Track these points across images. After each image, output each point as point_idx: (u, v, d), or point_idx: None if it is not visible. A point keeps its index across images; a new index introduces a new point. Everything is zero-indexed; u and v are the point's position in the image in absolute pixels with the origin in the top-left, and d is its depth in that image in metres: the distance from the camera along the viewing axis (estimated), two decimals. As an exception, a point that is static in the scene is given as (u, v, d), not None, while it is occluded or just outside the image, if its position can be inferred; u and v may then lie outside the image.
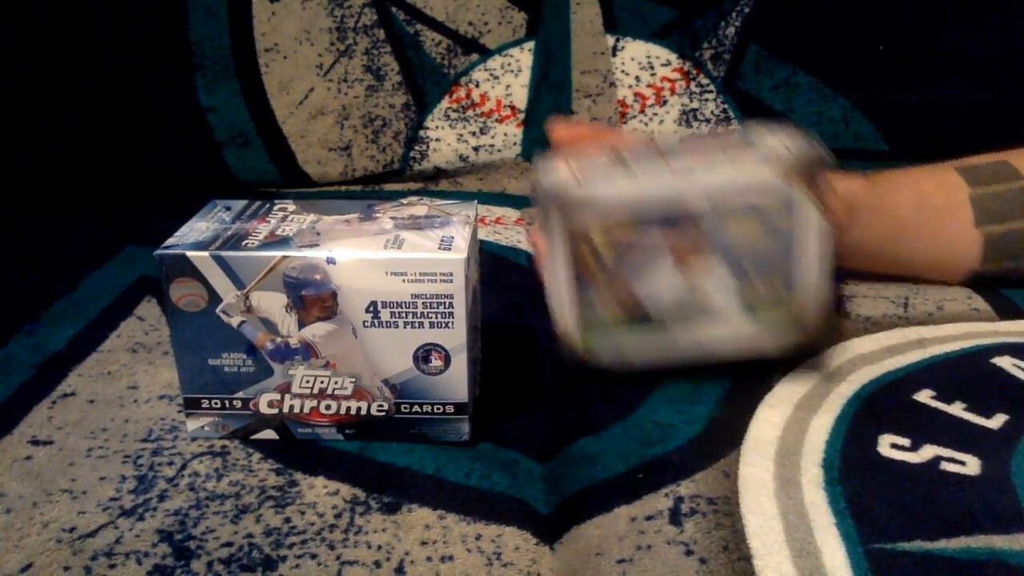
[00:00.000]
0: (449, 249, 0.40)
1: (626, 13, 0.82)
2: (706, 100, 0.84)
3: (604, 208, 0.40)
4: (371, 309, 0.41)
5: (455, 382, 0.42)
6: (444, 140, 0.85)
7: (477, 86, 0.84)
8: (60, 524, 0.39)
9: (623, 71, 0.84)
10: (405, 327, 0.41)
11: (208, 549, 0.38)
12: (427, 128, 0.85)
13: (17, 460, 0.44)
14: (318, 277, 0.40)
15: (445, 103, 0.85)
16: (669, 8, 0.82)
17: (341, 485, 0.42)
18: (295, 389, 0.43)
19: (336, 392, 0.43)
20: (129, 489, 0.42)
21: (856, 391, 0.44)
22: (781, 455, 0.40)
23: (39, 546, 0.38)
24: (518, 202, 0.81)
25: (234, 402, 0.43)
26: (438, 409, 0.43)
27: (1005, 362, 0.46)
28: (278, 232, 0.42)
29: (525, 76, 0.84)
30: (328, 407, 0.43)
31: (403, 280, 0.40)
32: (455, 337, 0.41)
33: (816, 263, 0.40)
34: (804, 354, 0.48)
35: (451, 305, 0.41)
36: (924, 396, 0.43)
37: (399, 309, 0.41)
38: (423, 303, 0.41)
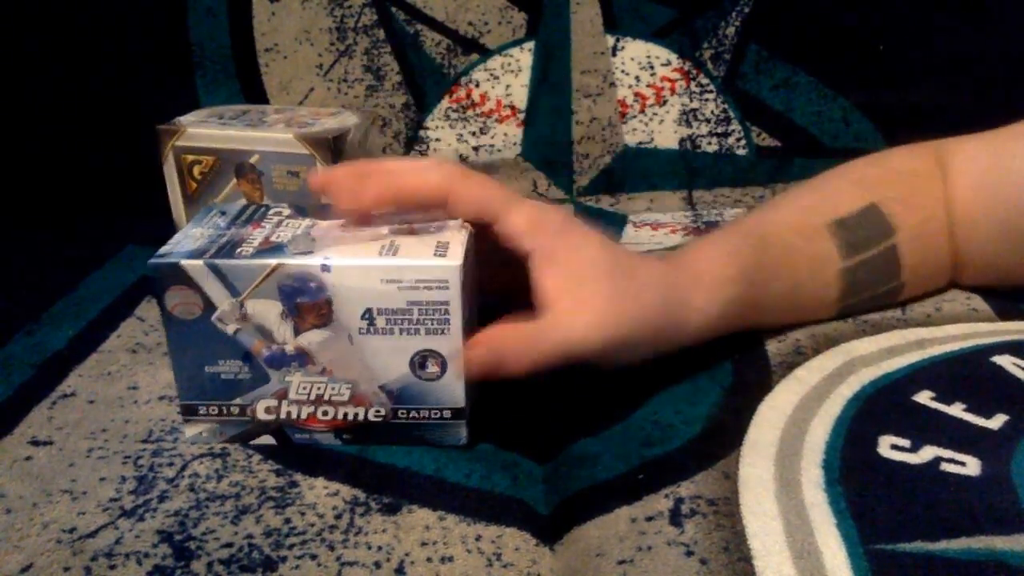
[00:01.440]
0: (444, 255, 0.40)
1: (626, 13, 0.82)
2: (706, 100, 0.84)
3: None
4: (367, 316, 0.41)
5: (452, 387, 0.42)
6: (444, 140, 0.85)
7: (477, 86, 0.84)
8: (60, 524, 0.39)
9: (623, 71, 0.84)
10: (401, 334, 0.41)
11: (208, 550, 0.38)
12: (427, 128, 0.85)
13: (17, 460, 0.44)
14: (313, 285, 0.40)
15: (445, 103, 0.85)
16: (669, 8, 0.82)
17: (341, 486, 0.42)
18: (292, 395, 0.43)
19: (333, 398, 0.43)
20: (129, 490, 0.42)
21: (856, 392, 0.44)
22: (781, 456, 0.40)
23: (39, 546, 0.38)
24: (518, 202, 0.81)
25: (231, 409, 0.43)
26: (435, 414, 0.43)
27: (1005, 361, 0.46)
28: (272, 238, 0.42)
29: (525, 76, 0.84)
30: (325, 413, 0.43)
31: (398, 287, 0.40)
32: (451, 343, 0.41)
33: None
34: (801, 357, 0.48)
35: (447, 312, 0.40)
36: (924, 397, 0.43)
37: (395, 316, 0.41)
38: (419, 310, 0.40)
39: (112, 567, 0.37)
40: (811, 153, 0.83)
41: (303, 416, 0.43)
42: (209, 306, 0.41)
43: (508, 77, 0.84)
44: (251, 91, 0.84)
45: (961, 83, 0.81)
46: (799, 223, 0.50)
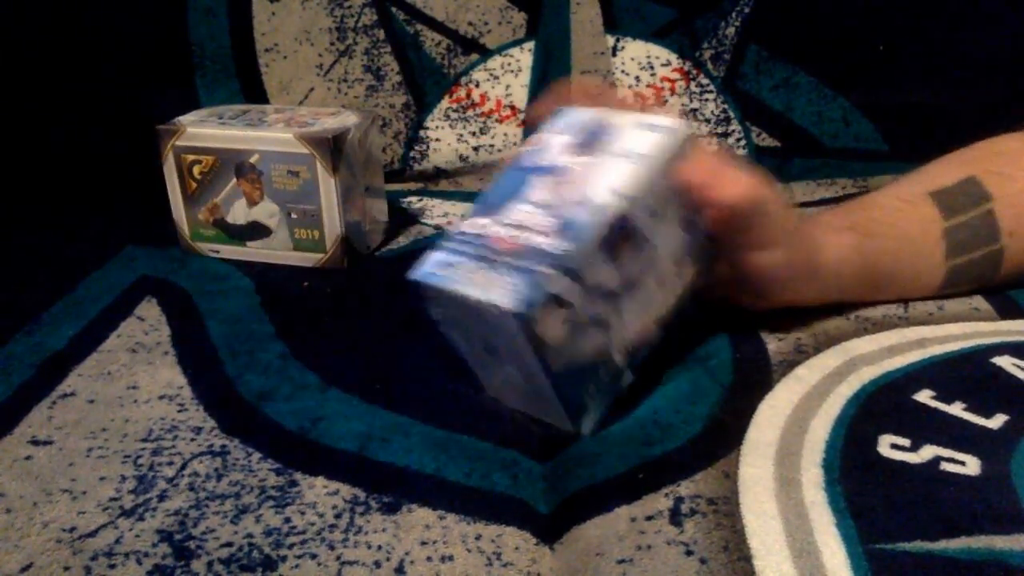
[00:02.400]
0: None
1: (626, 13, 0.83)
2: (706, 100, 0.84)
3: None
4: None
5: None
6: (444, 140, 0.85)
7: (477, 86, 0.84)
8: (60, 524, 0.39)
9: (623, 71, 0.84)
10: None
11: (208, 549, 0.38)
12: (427, 128, 0.85)
13: (17, 460, 0.44)
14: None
15: (445, 103, 0.85)
16: (669, 8, 0.82)
17: (341, 485, 0.42)
18: (631, 332, 0.43)
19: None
20: (129, 489, 0.42)
21: (856, 391, 0.44)
22: (781, 455, 0.40)
23: (39, 546, 0.38)
24: (518, 202, 0.81)
25: (601, 380, 0.42)
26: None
27: (1005, 362, 0.46)
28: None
29: (525, 76, 0.84)
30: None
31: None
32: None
33: (332, 204, 0.62)
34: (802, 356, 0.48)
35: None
36: (924, 396, 0.43)
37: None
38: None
39: (112, 566, 0.37)
40: (811, 153, 0.83)
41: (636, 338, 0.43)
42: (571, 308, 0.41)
43: (508, 77, 0.84)
44: (251, 91, 0.84)
45: (961, 83, 0.81)
46: (901, 193, 0.54)
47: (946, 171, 0.54)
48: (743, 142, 0.84)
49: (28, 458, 0.44)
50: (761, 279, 0.48)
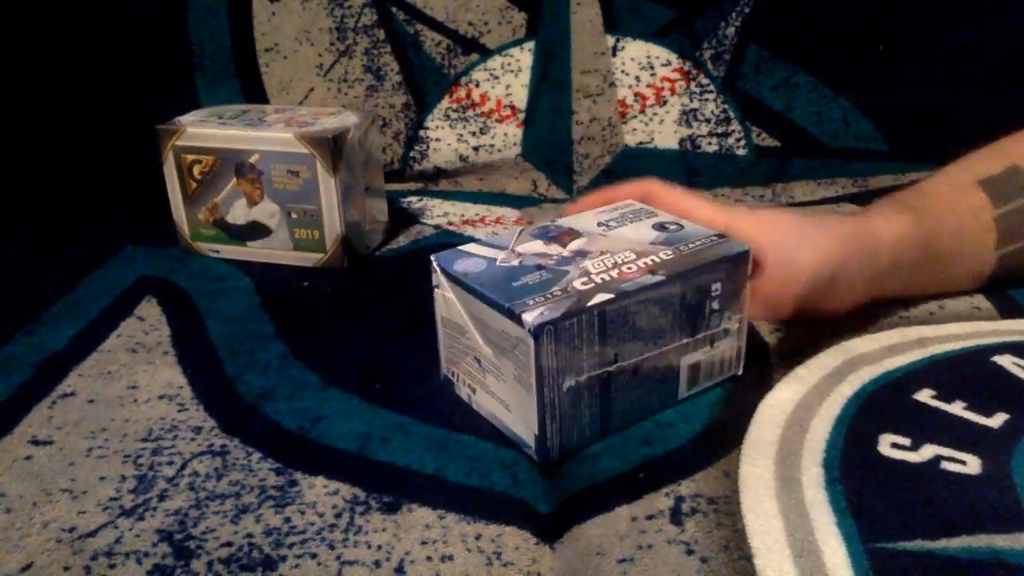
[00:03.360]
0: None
1: (626, 13, 0.82)
2: (706, 100, 0.84)
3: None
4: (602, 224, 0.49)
5: None
6: (444, 140, 0.85)
7: (477, 86, 0.84)
8: (60, 524, 0.39)
9: (623, 71, 0.84)
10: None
11: (208, 549, 0.38)
12: (427, 128, 0.85)
13: (17, 460, 0.44)
14: (552, 225, 0.48)
15: (445, 103, 0.85)
16: (669, 8, 0.82)
17: (341, 485, 0.42)
18: (594, 270, 0.44)
19: (625, 259, 0.44)
20: (129, 489, 0.42)
21: (856, 391, 0.44)
22: (781, 455, 0.40)
23: (39, 546, 0.38)
24: (518, 202, 0.81)
25: (553, 293, 0.42)
26: None
27: (1005, 361, 0.45)
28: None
29: (525, 76, 0.84)
30: (629, 268, 0.44)
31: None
32: None
33: (332, 204, 0.63)
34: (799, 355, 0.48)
35: None
36: (924, 396, 0.43)
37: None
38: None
39: (112, 566, 0.37)
40: (811, 153, 0.83)
41: (616, 275, 0.43)
42: (490, 261, 0.45)
43: (508, 77, 0.84)
44: (251, 91, 0.84)
45: (961, 83, 0.81)
46: (950, 182, 0.54)
47: (988, 160, 0.54)
48: (743, 142, 0.84)
49: (28, 458, 0.44)
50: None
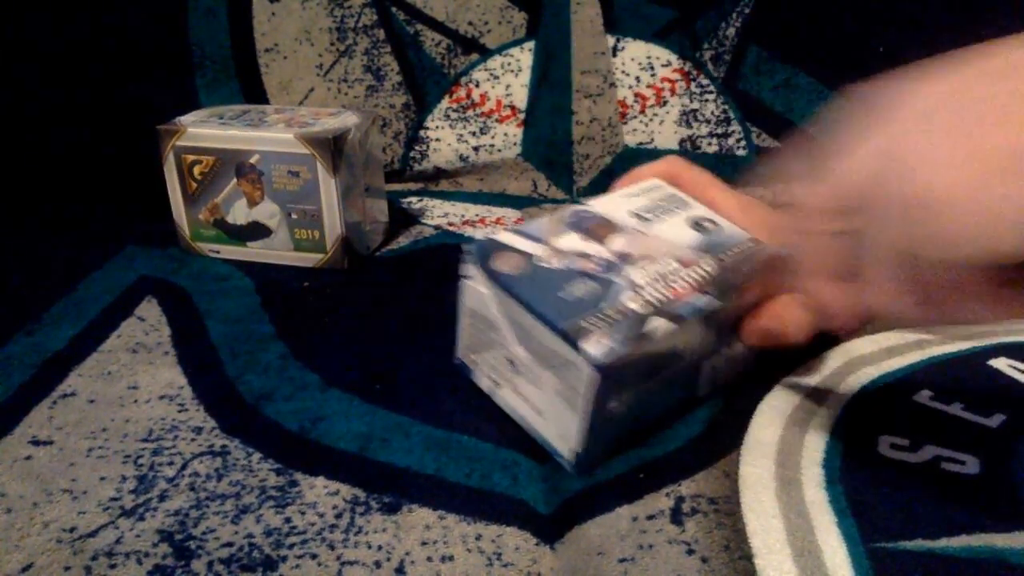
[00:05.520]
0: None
1: (626, 13, 0.83)
2: (706, 101, 0.84)
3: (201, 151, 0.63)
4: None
5: None
6: (444, 140, 0.85)
7: (477, 86, 0.84)
8: (60, 524, 0.39)
9: (623, 71, 0.84)
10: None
11: (208, 549, 0.38)
12: (427, 128, 0.85)
13: (17, 460, 0.44)
14: (588, 213, 0.47)
15: (445, 103, 0.85)
16: (669, 9, 0.82)
17: (341, 485, 0.42)
18: (641, 281, 0.42)
19: (670, 271, 0.43)
20: (129, 489, 0.42)
21: (856, 392, 0.44)
22: (781, 455, 0.40)
23: (39, 546, 0.38)
24: (518, 202, 0.81)
25: (606, 312, 0.41)
26: None
27: (1001, 363, 0.46)
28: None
29: (525, 76, 0.84)
30: (678, 284, 0.42)
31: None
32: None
33: (332, 204, 0.63)
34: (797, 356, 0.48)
35: None
36: (923, 397, 0.43)
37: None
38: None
39: (112, 567, 0.37)
40: (811, 153, 0.83)
41: (666, 293, 0.42)
42: (528, 258, 0.43)
43: (508, 77, 0.84)
44: (251, 91, 0.84)
45: (961, 83, 0.81)
46: None
47: None
48: (743, 143, 0.84)
49: (28, 458, 0.44)
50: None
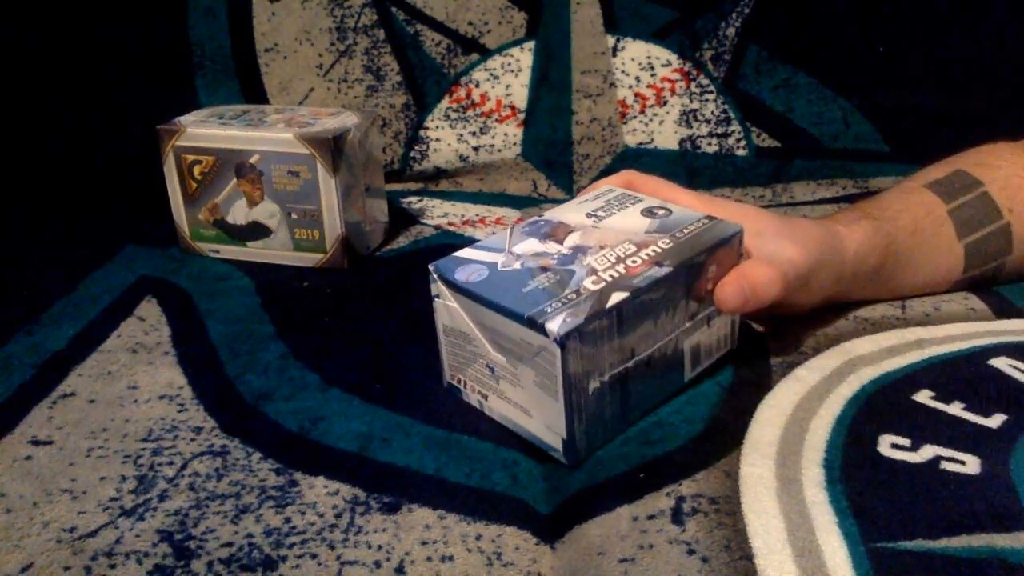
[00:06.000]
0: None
1: (626, 13, 0.83)
2: (706, 101, 0.84)
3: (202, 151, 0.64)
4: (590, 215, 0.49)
5: None
6: (444, 140, 0.85)
7: (477, 86, 0.84)
8: (60, 524, 0.39)
9: (623, 71, 0.84)
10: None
11: (208, 549, 0.38)
12: (427, 128, 0.85)
13: (17, 460, 0.44)
14: (540, 219, 0.48)
15: (445, 103, 0.85)
16: (669, 9, 0.82)
17: (341, 485, 0.42)
18: (599, 266, 0.43)
19: (628, 251, 0.44)
20: (129, 489, 0.42)
21: (856, 392, 0.44)
22: (782, 455, 0.40)
23: (39, 546, 0.38)
24: (518, 202, 0.81)
25: (568, 297, 0.42)
26: None
27: (1001, 363, 0.46)
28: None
29: (525, 76, 0.84)
30: (635, 261, 0.44)
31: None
32: None
33: (332, 204, 0.64)
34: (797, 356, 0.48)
35: None
36: (923, 396, 0.43)
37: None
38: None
39: (112, 566, 0.37)
40: (811, 154, 0.83)
41: (623, 271, 0.43)
42: (492, 266, 0.45)
43: (508, 77, 0.84)
44: (251, 91, 0.84)
45: (961, 85, 0.81)
46: (901, 188, 0.56)
47: (935, 169, 0.57)
48: (743, 142, 0.84)
49: (28, 458, 0.44)
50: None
